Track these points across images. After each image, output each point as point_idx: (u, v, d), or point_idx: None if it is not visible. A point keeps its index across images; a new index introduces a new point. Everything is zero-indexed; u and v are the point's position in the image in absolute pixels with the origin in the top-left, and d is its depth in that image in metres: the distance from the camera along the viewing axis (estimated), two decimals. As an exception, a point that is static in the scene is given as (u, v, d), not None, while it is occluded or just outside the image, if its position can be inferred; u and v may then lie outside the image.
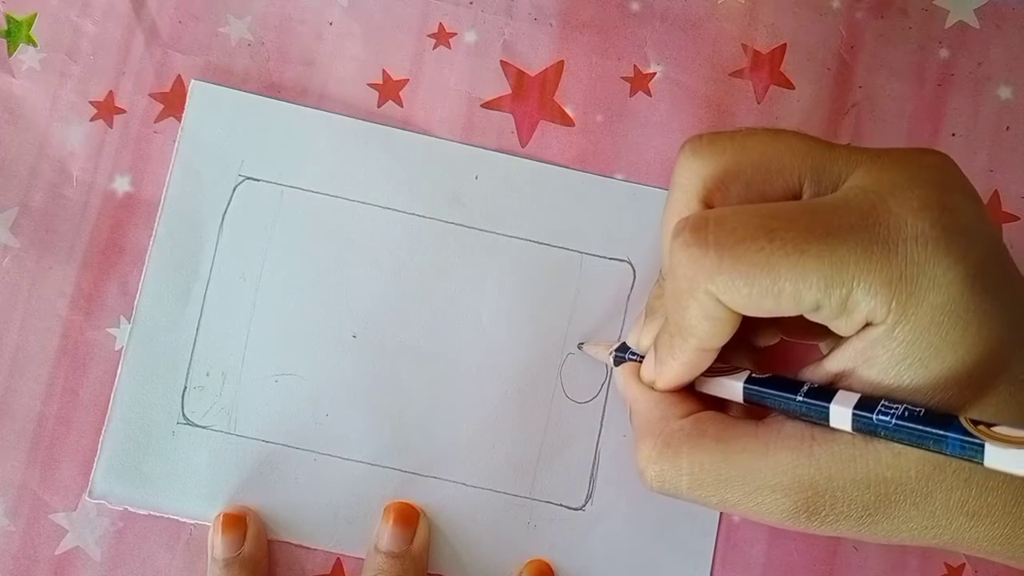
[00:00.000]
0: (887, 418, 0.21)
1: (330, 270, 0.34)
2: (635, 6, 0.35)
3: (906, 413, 0.21)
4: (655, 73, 0.35)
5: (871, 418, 0.21)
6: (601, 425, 0.34)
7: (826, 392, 0.22)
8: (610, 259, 0.34)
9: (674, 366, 0.25)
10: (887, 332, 0.21)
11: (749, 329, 0.25)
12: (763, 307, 0.22)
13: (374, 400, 0.34)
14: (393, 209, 0.34)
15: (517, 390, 0.34)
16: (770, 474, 0.23)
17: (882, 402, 0.21)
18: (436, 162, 0.34)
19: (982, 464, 0.19)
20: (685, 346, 0.24)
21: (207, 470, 0.33)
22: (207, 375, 0.34)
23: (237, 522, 0.32)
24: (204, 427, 0.33)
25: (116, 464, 0.33)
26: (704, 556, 0.33)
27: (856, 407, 0.21)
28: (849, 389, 0.22)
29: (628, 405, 0.28)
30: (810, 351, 0.30)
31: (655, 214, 0.34)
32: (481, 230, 0.34)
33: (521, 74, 0.35)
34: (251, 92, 0.35)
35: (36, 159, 0.34)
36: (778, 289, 0.21)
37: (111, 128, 0.35)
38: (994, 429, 0.19)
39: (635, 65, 0.35)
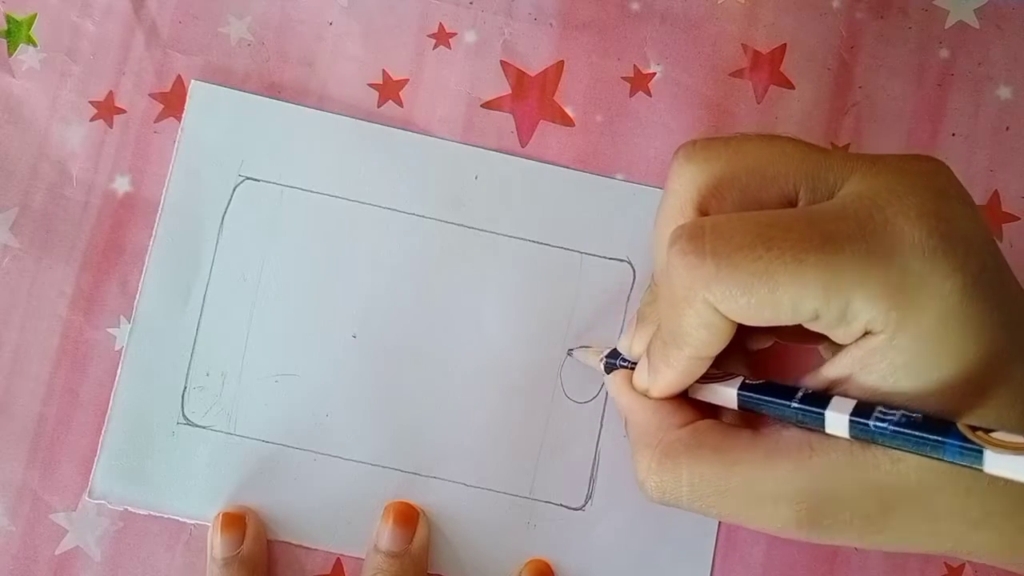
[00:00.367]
0: (884, 424, 0.21)
1: (330, 270, 0.34)
2: (635, 6, 0.35)
3: (904, 419, 0.20)
4: (655, 73, 0.35)
5: (868, 424, 0.21)
6: (601, 425, 0.34)
7: (821, 398, 0.22)
8: (610, 259, 0.34)
9: (668, 374, 0.25)
10: (887, 341, 0.21)
11: (743, 333, 0.25)
12: (761, 316, 0.22)
13: (374, 400, 0.34)
14: (393, 209, 0.34)
15: (517, 390, 0.34)
16: (770, 484, 0.23)
17: (878, 408, 0.21)
18: (436, 162, 0.34)
19: (981, 470, 0.19)
20: (680, 354, 0.24)
21: (207, 470, 0.33)
22: (207, 375, 0.34)
23: (236, 521, 0.32)
24: (204, 427, 0.33)
25: (116, 464, 0.33)
26: (704, 556, 0.33)
27: (853, 413, 0.21)
28: (845, 395, 0.22)
29: (622, 413, 0.28)
30: (804, 353, 0.30)
31: (655, 214, 0.34)
32: (481, 230, 0.34)
33: (521, 74, 0.35)
34: (251, 92, 0.35)
35: (36, 159, 0.34)
36: (776, 299, 0.21)
37: (111, 128, 0.35)
38: (993, 435, 0.19)
39: (635, 65, 0.35)
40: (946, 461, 0.20)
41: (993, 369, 0.21)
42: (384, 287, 0.34)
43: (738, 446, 0.24)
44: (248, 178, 0.34)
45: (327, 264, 0.34)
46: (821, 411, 0.22)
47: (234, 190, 0.34)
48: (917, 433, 0.20)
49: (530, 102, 0.35)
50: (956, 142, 0.35)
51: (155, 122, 0.35)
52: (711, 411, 0.26)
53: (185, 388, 0.34)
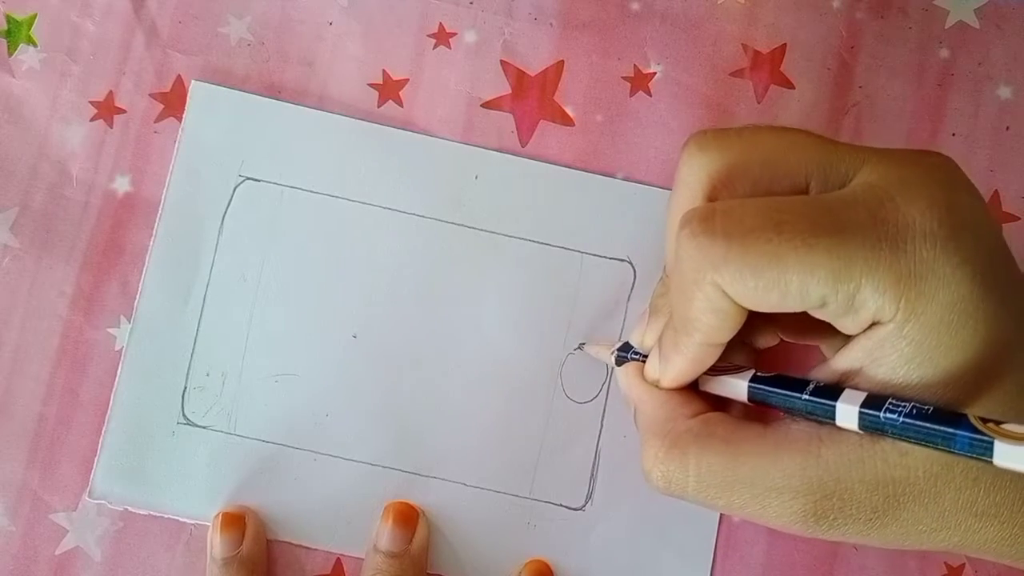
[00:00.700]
0: (895, 416, 0.21)
1: (330, 270, 0.34)
2: (635, 6, 0.35)
3: (914, 411, 0.20)
4: (655, 73, 0.35)
5: (878, 416, 0.21)
6: (601, 425, 0.34)
7: (832, 390, 0.22)
8: (610, 259, 0.34)
9: (679, 362, 0.25)
10: (896, 330, 0.21)
11: (748, 330, 0.25)
12: (769, 301, 0.22)
13: (374, 400, 0.34)
14: (393, 209, 0.34)
15: (517, 390, 0.34)
16: (778, 476, 0.23)
17: (889, 400, 0.21)
18: (436, 162, 0.34)
19: (991, 462, 0.19)
20: (690, 341, 0.24)
21: (207, 470, 0.33)
22: (207, 375, 0.34)
23: (236, 521, 0.32)
24: (204, 427, 0.33)
25: (116, 464, 0.33)
26: (704, 556, 0.33)
27: (863, 405, 0.21)
28: (856, 388, 0.22)
29: (632, 405, 0.28)
30: (810, 353, 0.30)
31: (655, 214, 0.34)
32: (481, 230, 0.34)
33: (521, 74, 0.35)
34: (251, 92, 0.35)
35: (36, 159, 0.34)
36: (785, 282, 0.21)
37: (111, 128, 0.35)
38: (1003, 426, 0.19)
39: (635, 65, 0.35)
40: (956, 453, 0.20)
41: (1001, 358, 0.21)
42: (384, 287, 0.34)
43: (747, 438, 0.24)
44: (248, 178, 0.34)
45: (327, 264, 0.34)
46: (832, 403, 0.22)
47: (234, 190, 0.34)
48: (927, 425, 0.20)
49: (530, 102, 0.35)
50: (956, 142, 0.35)
51: (155, 122, 0.35)
52: (721, 405, 0.26)
53: (185, 388, 0.34)
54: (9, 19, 0.35)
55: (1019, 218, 0.34)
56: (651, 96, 0.35)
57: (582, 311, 0.34)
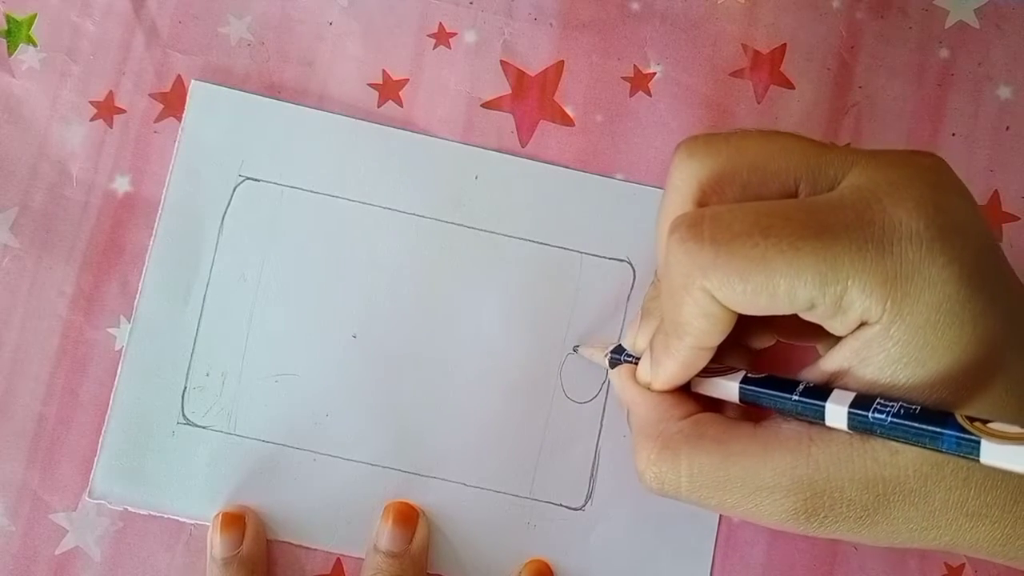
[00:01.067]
0: (883, 416, 0.21)
1: (330, 270, 0.34)
2: (635, 6, 0.35)
3: (902, 411, 0.20)
4: (655, 73, 0.35)
5: (867, 416, 0.21)
6: (601, 425, 0.34)
7: (822, 391, 0.22)
8: (610, 259, 0.34)
9: (670, 366, 0.25)
10: (883, 331, 0.21)
11: (744, 331, 0.25)
12: (758, 304, 0.22)
13: (374, 400, 0.34)
14: (393, 209, 0.34)
15: (517, 390, 0.34)
16: (769, 475, 0.23)
17: (878, 400, 0.21)
18: (436, 162, 0.34)
19: (978, 461, 0.19)
20: (681, 345, 0.24)
21: (207, 470, 0.33)
22: (207, 375, 0.34)
23: (236, 521, 0.32)
24: (204, 427, 0.33)
25: (116, 464, 0.33)
26: (704, 556, 0.33)
27: (852, 405, 0.21)
28: (845, 388, 0.22)
29: (625, 407, 0.28)
30: (805, 353, 0.30)
31: (655, 214, 0.34)
32: (481, 230, 0.34)
33: (521, 74, 0.35)
34: (251, 92, 0.35)
35: (36, 159, 0.34)
36: (773, 286, 0.21)
37: (111, 128, 0.35)
38: (990, 426, 0.19)
39: (635, 65, 0.35)
40: (943, 452, 0.20)
41: (989, 359, 0.21)
42: (384, 287, 0.34)
43: (738, 438, 0.24)
44: (248, 178, 0.34)
45: (327, 264, 0.34)
46: (821, 403, 0.22)
47: (234, 190, 0.34)
48: (915, 424, 0.20)
49: (530, 102, 0.35)
50: (956, 142, 0.35)
51: (155, 122, 0.35)
52: (713, 406, 0.26)
53: (185, 388, 0.34)
54: (9, 19, 0.35)
55: (1019, 218, 0.34)
56: (651, 96, 0.35)
57: (582, 311, 0.34)
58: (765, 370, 0.25)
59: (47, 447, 0.33)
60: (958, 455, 0.19)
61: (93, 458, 0.33)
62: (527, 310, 0.34)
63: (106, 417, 0.33)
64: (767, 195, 0.24)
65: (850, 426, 0.21)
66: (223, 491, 0.33)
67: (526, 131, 0.35)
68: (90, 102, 0.35)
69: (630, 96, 0.35)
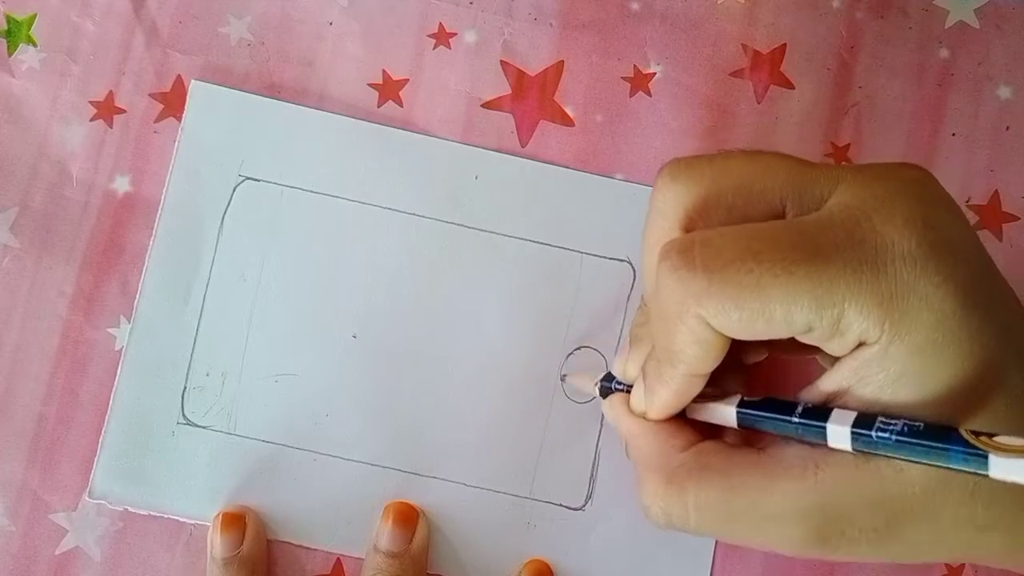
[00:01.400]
0: (887, 434, 0.20)
1: (330, 270, 0.34)
2: (635, 6, 0.35)
3: (906, 428, 0.20)
4: (655, 73, 0.35)
5: (871, 435, 0.21)
6: (601, 425, 0.34)
7: (822, 412, 0.22)
8: (610, 259, 0.34)
9: (664, 394, 0.25)
10: (881, 352, 0.21)
11: (737, 348, 0.25)
12: (754, 330, 0.21)
13: (374, 400, 0.34)
14: (393, 209, 0.34)
15: (517, 390, 0.34)
16: (777, 504, 0.22)
17: (879, 419, 0.21)
18: (436, 162, 0.34)
19: (987, 476, 0.19)
20: (674, 372, 0.24)
21: (207, 470, 0.33)
22: (207, 375, 0.34)
23: (236, 521, 0.32)
24: (204, 427, 0.33)
25: (116, 464, 0.33)
26: (704, 556, 0.33)
27: (854, 425, 0.21)
28: (845, 407, 0.22)
29: (622, 438, 0.27)
30: (801, 365, 0.30)
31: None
32: (481, 230, 0.34)
33: (521, 74, 0.35)
34: (251, 92, 0.35)
35: (36, 159, 0.34)
36: (769, 312, 0.21)
37: (111, 128, 0.35)
38: (996, 439, 0.19)
39: (635, 65, 0.35)
40: (951, 468, 0.20)
41: (988, 375, 0.21)
42: (384, 287, 0.34)
43: (742, 467, 0.23)
44: (248, 178, 0.34)
45: (327, 264, 0.34)
46: (822, 425, 0.22)
47: (234, 190, 0.34)
48: (920, 442, 0.20)
49: (530, 102, 0.35)
50: (956, 142, 0.35)
51: (155, 122, 0.35)
52: (712, 430, 0.26)
53: (185, 388, 0.34)
54: (9, 19, 0.35)
55: (1019, 218, 0.34)
56: (651, 96, 0.35)
57: (582, 311, 0.34)
58: (759, 385, 0.25)
59: (47, 447, 0.33)
60: (967, 471, 0.19)
61: (93, 458, 0.33)
62: (527, 310, 0.34)
63: (106, 417, 0.33)
64: (754, 216, 0.23)
65: (854, 447, 0.21)
66: (223, 491, 0.33)
67: (526, 131, 0.35)
68: (90, 102, 0.35)
69: (630, 96, 0.35)
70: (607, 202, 0.34)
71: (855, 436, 0.21)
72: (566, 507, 0.33)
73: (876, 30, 0.35)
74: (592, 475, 0.34)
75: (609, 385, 0.29)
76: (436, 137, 0.35)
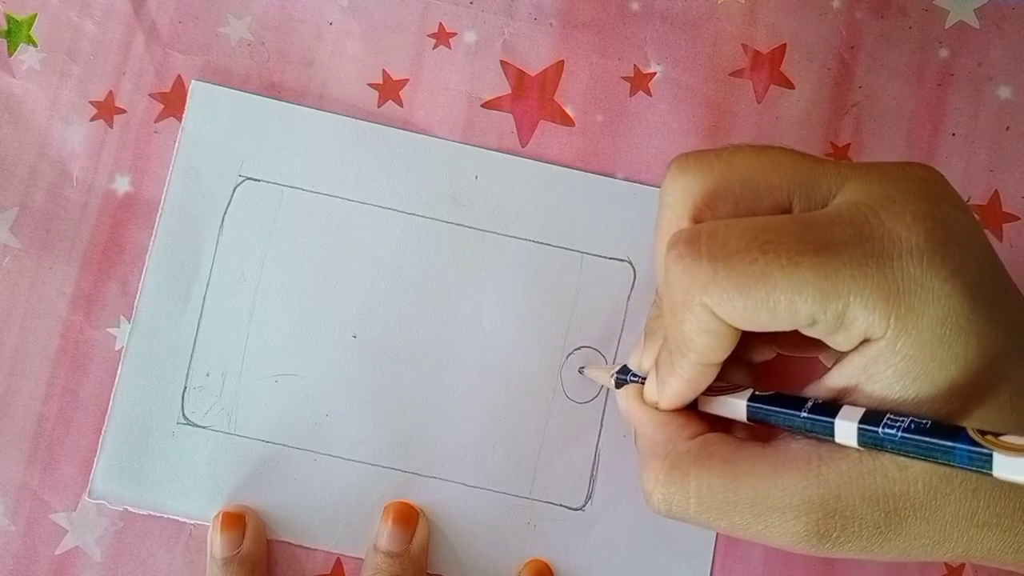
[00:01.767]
0: (893, 431, 0.20)
1: (330, 270, 0.34)
2: (635, 6, 0.35)
3: (912, 425, 0.20)
4: (655, 73, 0.35)
5: (877, 432, 0.21)
6: (601, 425, 0.34)
7: (831, 407, 0.22)
8: (610, 259, 0.34)
9: (675, 384, 0.25)
10: (888, 347, 0.21)
11: (745, 345, 0.25)
12: (758, 320, 0.22)
13: (374, 400, 0.34)
14: (393, 209, 0.34)
15: (517, 390, 0.34)
16: (779, 496, 0.22)
17: (887, 415, 0.21)
18: (436, 162, 0.34)
19: (991, 475, 0.19)
20: (685, 362, 0.24)
21: (207, 470, 0.33)
22: (207, 375, 0.34)
23: (236, 521, 0.32)
24: (204, 427, 0.33)
25: (116, 464, 0.33)
26: (704, 556, 0.33)
27: (861, 421, 0.21)
28: (854, 404, 0.22)
29: (632, 427, 0.27)
30: (808, 366, 0.30)
31: (655, 213, 0.34)
32: (481, 230, 0.34)
33: (521, 74, 0.35)
34: (251, 92, 0.35)
35: (36, 159, 0.34)
36: (773, 301, 0.21)
37: (111, 128, 0.35)
38: (1002, 439, 0.19)
39: (635, 65, 0.35)
40: (956, 466, 0.20)
41: (994, 369, 0.21)
42: (384, 287, 0.34)
43: (747, 458, 0.23)
44: (248, 178, 0.34)
45: (327, 264, 0.34)
46: (831, 420, 0.22)
47: (234, 190, 0.34)
48: (926, 439, 0.20)
49: (530, 102, 0.35)
50: (956, 142, 0.35)
51: (155, 122, 0.35)
52: (721, 425, 0.26)
53: (185, 388, 0.34)
54: (9, 19, 0.35)
55: (1019, 218, 0.34)
56: (651, 96, 0.35)
57: (582, 311, 0.34)
58: (767, 385, 0.25)
59: (47, 447, 0.33)
60: (971, 469, 0.19)
61: (93, 458, 0.33)
62: (527, 310, 0.34)
63: (106, 417, 0.33)
64: (761, 210, 0.24)
65: (860, 442, 0.21)
66: (223, 491, 0.33)
67: (526, 131, 0.35)
68: (90, 102, 0.35)
69: (630, 96, 0.35)
70: (607, 202, 0.34)
71: (861, 432, 0.21)
72: (566, 507, 0.33)
73: (876, 30, 0.35)
74: (592, 475, 0.34)
75: (624, 377, 0.29)
76: (436, 137, 0.35)
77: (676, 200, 0.24)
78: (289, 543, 0.33)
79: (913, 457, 0.21)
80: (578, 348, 0.34)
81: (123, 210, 0.34)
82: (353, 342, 0.34)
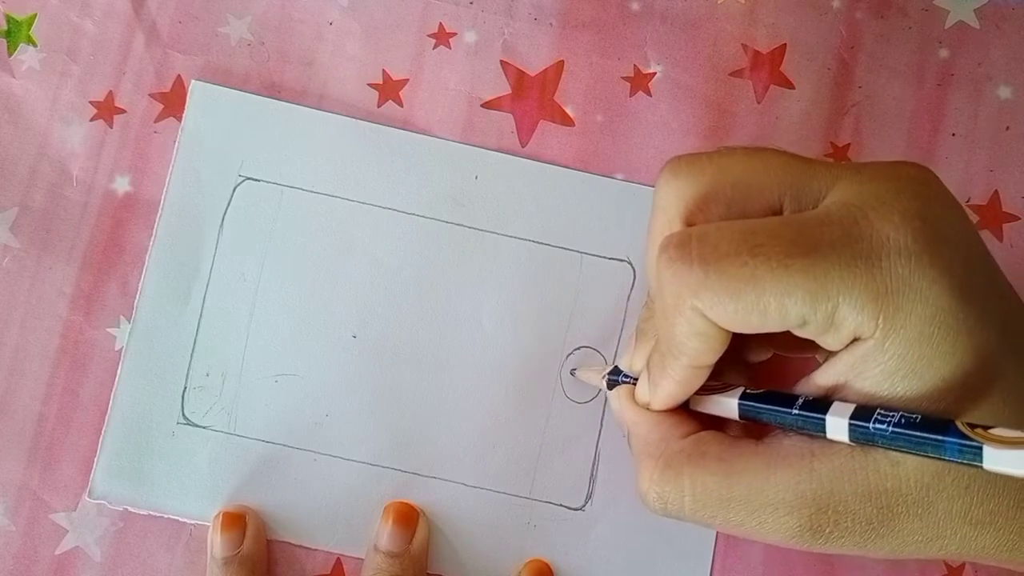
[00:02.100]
0: (884, 426, 0.21)
1: (330, 270, 0.34)
2: (635, 6, 0.35)
3: (903, 420, 0.20)
4: (655, 73, 0.35)
5: (868, 427, 0.21)
6: (601, 425, 0.34)
7: (822, 404, 0.22)
8: (610, 259, 0.34)
9: (667, 385, 0.25)
10: (877, 346, 0.21)
11: (741, 345, 0.25)
12: (749, 323, 0.22)
13: (374, 400, 0.34)
14: (393, 209, 0.34)
15: (517, 390, 0.34)
16: (772, 492, 0.23)
17: (878, 411, 0.21)
18: (436, 162, 0.34)
19: (981, 467, 0.19)
20: (676, 364, 0.24)
21: (207, 470, 0.33)
22: (207, 375, 0.34)
23: (236, 521, 0.32)
24: (204, 427, 0.33)
25: (116, 464, 0.33)
26: (704, 556, 0.33)
27: (852, 417, 0.21)
28: (844, 401, 0.22)
29: (625, 428, 0.28)
30: (805, 365, 0.30)
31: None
32: (481, 230, 0.34)
33: (521, 74, 0.35)
34: (251, 92, 0.35)
35: (36, 159, 0.34)
36: (763, 304, 0.21)
37: (111, 128, 0.35)
38: (991, 431, 0.19)
39: (635, 65, 0.35)
40: (946, 460, 0.20)
41: (986, 368, 0.21)
42: (384, 287, 0.34)
43: (740, 455, 0.24)
44: (248, 178, 0.34)
45: (327, 264, 0.34)
46: (822, 416, 0.22)
47: (234, 190, 0.34)
48: (916, 433, 0.20)
49: (530, 102, 0.35)
50: (956, 142, 0.35)
51: (155, 122, 0.35)
52: (714, 424, 0.26)
53: (185, 388, 0.34)
54: (9, 19, 0.35)
55: (1019, 218, 0.34)
56: (651, 96, 0.35)
57: (582, 311, 0.34)
58: (764, 384, 0.25)
59: (47, 447, 0.33)
60: (961, 462, 0.19)
61: (93, 458, 0.33)
62: (527, 310, 0.34)
63: (106, 417, 0.33)
64: (752, 212, 0.24)
65: (851, 438, 0.21)
66: (223, 491, 0.33)
67: (526, 131, 0.35)
68: (90, 102, 0.35)
69: (630, 96, 0.35)
70: (607, 202, 0.34)
71: (852, 427, 0.21)
72: (566, 507, 0.34)
73: (876, 30, 0.35)
74: (592, 475, 0.34)
75: (616, 378, 0.29)
76: (436, 137, 0.35)
77: (668, 203, 0.25)
78: (289, 543, 0.33)
79: (904, 452, 0.21)
80: (578, 348, 0.34)
81: (123, 210, 0.34)
82: (353, 342, 0.34)
